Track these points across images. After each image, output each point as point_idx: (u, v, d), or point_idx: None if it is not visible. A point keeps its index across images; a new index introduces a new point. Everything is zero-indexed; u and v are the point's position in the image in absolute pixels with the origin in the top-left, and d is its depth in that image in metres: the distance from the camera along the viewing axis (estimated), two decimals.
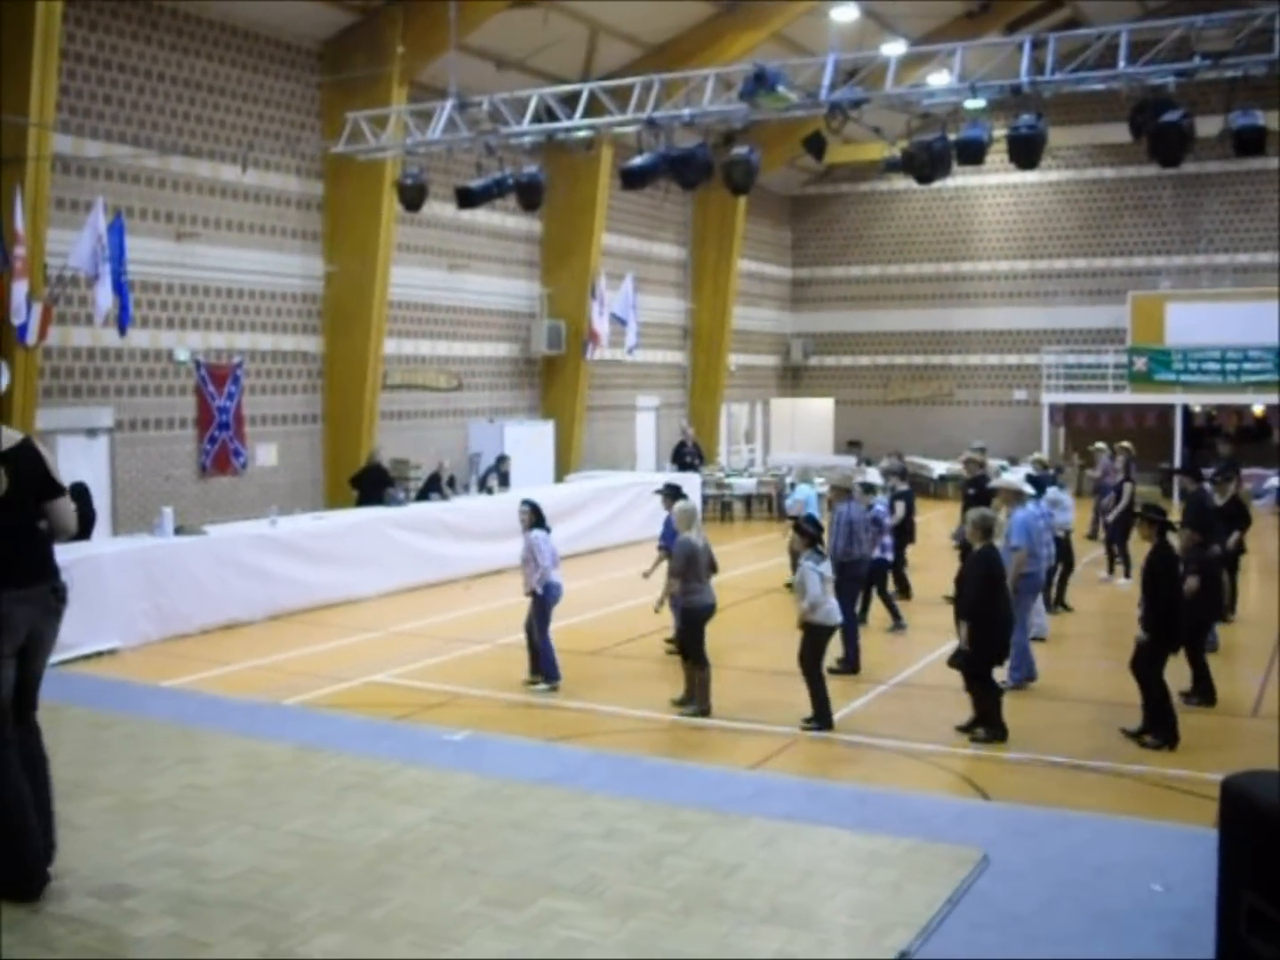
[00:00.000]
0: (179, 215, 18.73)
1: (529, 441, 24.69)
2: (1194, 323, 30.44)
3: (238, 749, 7.87)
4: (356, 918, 5.25)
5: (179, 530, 14.87)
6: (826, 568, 10.66)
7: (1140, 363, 30.86)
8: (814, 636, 10.56)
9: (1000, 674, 10.94)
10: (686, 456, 26.21)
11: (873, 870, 5.84)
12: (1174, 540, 10.52)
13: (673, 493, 13.07)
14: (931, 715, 11.03)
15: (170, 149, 18.36)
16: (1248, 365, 29.69)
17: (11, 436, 5.56)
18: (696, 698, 11.01)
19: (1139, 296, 31.69)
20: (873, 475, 21.17)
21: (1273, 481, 28.58)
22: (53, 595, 5.55)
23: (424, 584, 17.50)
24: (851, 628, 12.70)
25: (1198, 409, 31.86)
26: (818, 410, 35.46)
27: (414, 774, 7.36)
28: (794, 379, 37.34)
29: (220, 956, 4.90)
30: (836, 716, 10.64)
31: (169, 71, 18.48)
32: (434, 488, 19.73)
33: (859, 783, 8.52)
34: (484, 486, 20.84)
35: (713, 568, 11.35)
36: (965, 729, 10.27)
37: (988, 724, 10.17)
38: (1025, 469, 18.40)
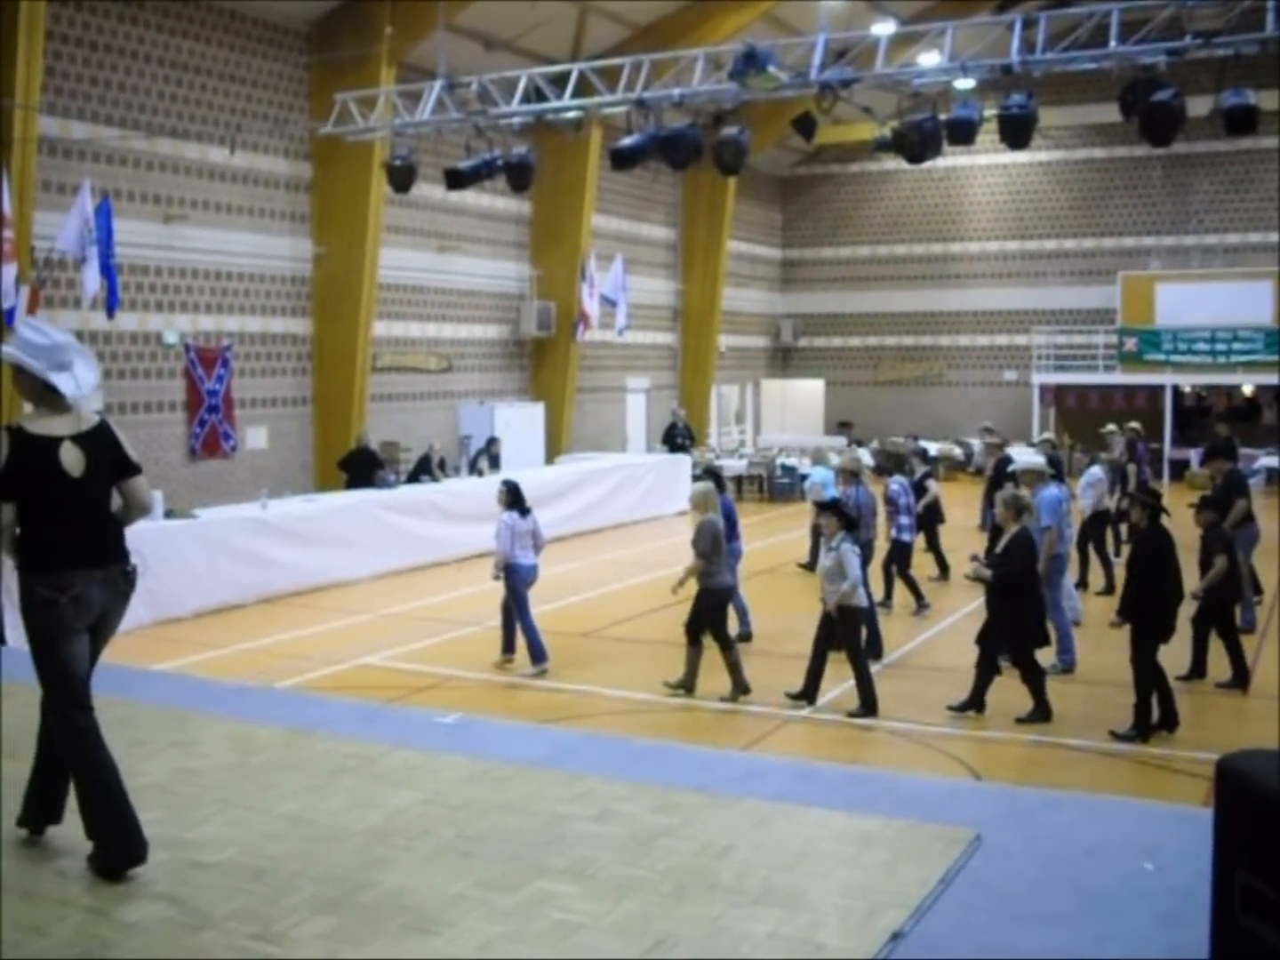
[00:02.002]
0: (166, 197, 18.64)
1: (519, 423, 24.66)
2: (1184, 303, 30.46)
3: (229, 732, 7.85)
4: (349, 900, 5.24)
5: (169, 514, 14.84)
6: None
7: (1130, 343, 30.88)
8: (858, 620, 10.57)
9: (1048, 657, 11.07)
10: (677, 438, 26.23)
11: (865, 851, 5.84)
12: (1167, 524, 10.36)
13: (709, 475, 13.24)
14: (924, 695, 11.05)
15: (157, 131, 18.26)
16: (1237, 345, 29.72)
17: (89, 419, 5.67)
18: (731, 678, 10.86)
19: (1129, 277, 31.69)
20: (863, 456, 21.18)
21: (1263, 461, 28.65)
22: (124, 578, 5.67)
23: (415, 566, 17.49)
24: (869, 611, 12.68)
25: (1188, 389, 31.89)
26: (808, 391, 35.46)
27: (405, 756, 7.35)
28: (784, 360, 37.32)
29: (213, 939, 4.89)
30: (829, 696, 10.66)
31: (156, 53, 18.36)
32: (424, 470, 19.71)
33: (851, 763, 8.53)
34: (474, 469, 20.82)
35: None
36: (958, 708, 10.26)
37: (1038, 708, 10.13)
38: (1021, 450, 18.52)
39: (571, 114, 15.82)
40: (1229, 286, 30.19)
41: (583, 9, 23.20)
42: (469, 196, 22.74)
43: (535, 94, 15.64)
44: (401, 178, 16.52)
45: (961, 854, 5.73)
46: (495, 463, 21.34)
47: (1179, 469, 28.69)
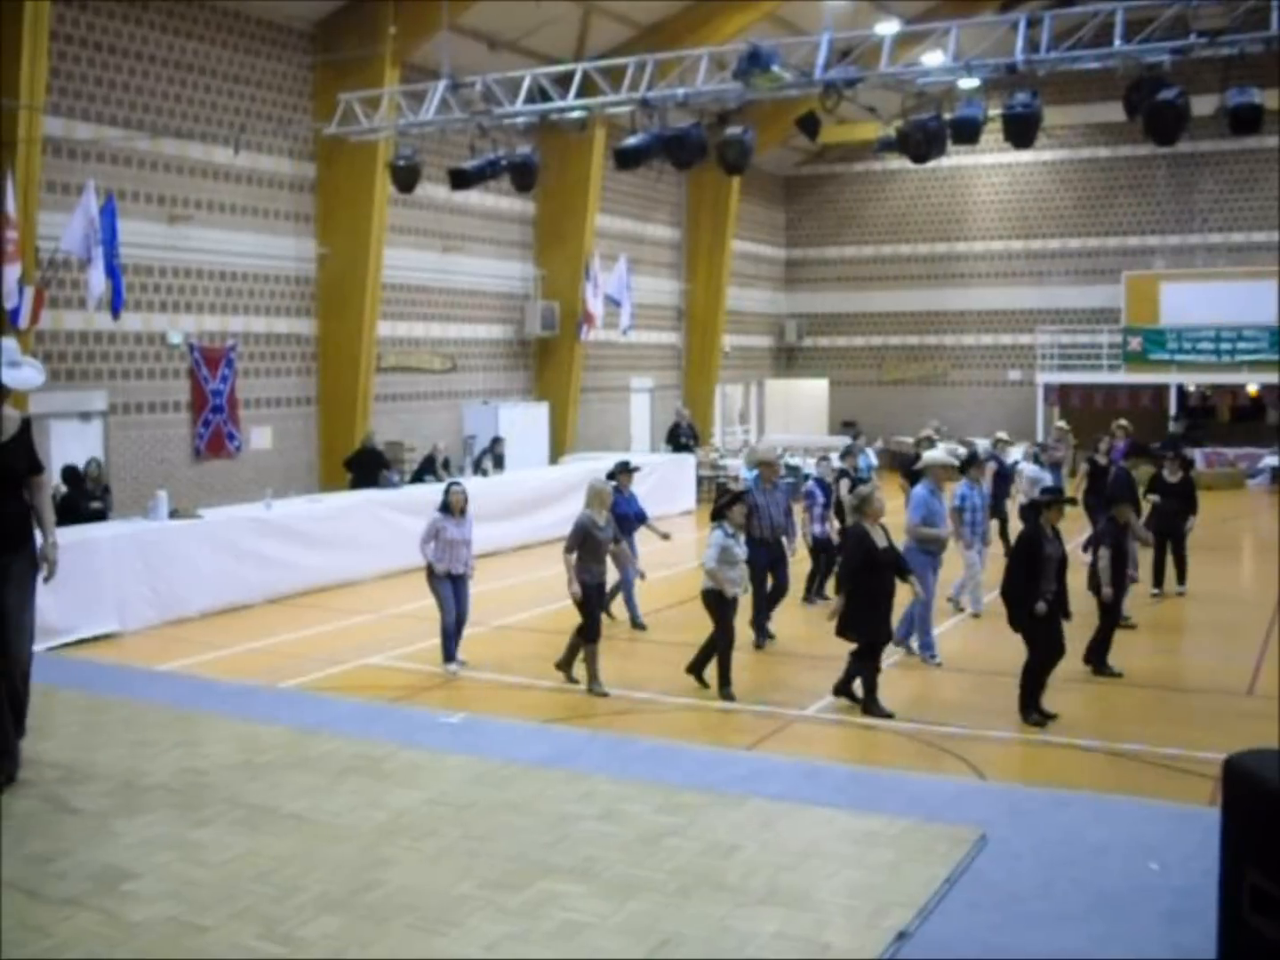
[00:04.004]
0: (171, 198, 18.65)
1: (524, 423, 24.66)
2: (1188, 302, 30.42)
3: (234, 732, 7.85)
4: (354, 900, 5.24)
5: (174, 514, 14.85)
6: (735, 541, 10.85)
7: (1135, 342, 30.85)
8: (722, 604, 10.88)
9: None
10: (681, 437, 26.19)
11: (870, 850, 5.83)
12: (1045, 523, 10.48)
13: (623, 467, 13.69)
14: (929, 695, 11.04)
15: (162, 131, 18.27)
16: (1242, 344, 29.69)
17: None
18: (588, 669, 11.12)
19: (1133, 276, 31.66)
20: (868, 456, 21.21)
21: (1267, 461, 28.62)
22: None
23: (419, 566, 17.42)
24: (758, 601, 12.88)
25: (1192, 389, 31.86)
26: (812, 391, 35.44)
27: (411, 756, 7.35)
28: (788, 360, 37.31)
29: (218, 939, 4.89)
30: (835, 696, 10.65)
31: (160, 53, 18.38)
32: (429, 470, 19.71)
33: (855, 763, 8.53)
34: (479, 469, 20.82)
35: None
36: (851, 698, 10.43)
37: (848, 691, 10.51)
38: (1011, 448, 18.79)
39: (576, 114, 15.81)
40: (1233, 286, 30.15)
41: (586, 9, 23.19)
42: (473, 196, 22.74)
43: (539, 94, 15.64)
44: (406, 178, 16.52)
45: (967, 854, 5.73)
46: (499, 463, 21.35)
47: None
